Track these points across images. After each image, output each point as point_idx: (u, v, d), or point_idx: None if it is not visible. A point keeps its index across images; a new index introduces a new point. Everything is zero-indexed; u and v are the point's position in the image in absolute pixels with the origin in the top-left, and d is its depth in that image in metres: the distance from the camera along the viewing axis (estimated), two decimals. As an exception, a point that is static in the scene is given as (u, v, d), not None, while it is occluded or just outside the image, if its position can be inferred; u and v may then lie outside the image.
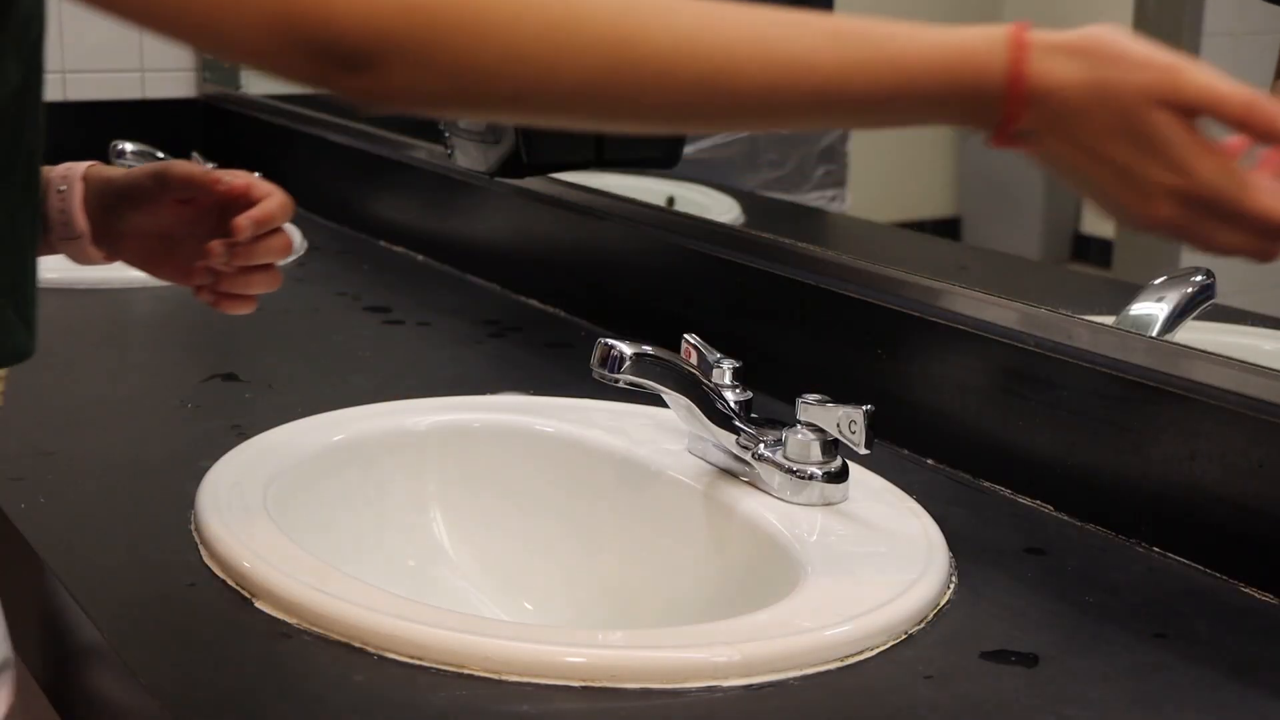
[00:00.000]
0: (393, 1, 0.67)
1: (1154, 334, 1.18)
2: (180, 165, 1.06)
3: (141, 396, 1.42)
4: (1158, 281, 1.25)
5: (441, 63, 0.68)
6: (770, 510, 1.11)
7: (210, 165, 1.06)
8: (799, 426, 1.12)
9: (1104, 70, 0.72)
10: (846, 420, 1.08)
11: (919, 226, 2.37)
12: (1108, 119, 0.72)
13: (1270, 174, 0.74)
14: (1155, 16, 1.68)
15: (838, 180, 2.30)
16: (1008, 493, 1.20)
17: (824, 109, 0.71)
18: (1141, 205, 0.74)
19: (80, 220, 1.04)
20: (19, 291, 0.83)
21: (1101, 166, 0.74)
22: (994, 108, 0.74)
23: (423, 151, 2.02)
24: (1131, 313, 1.22)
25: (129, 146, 2.12)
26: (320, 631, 0.94)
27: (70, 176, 1.05)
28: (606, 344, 1.08)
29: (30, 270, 0.84)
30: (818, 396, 1.12)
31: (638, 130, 0.73)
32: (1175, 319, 1.20)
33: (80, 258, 1.06)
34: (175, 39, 0.70)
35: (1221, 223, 0.74)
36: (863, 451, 1.08)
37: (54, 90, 2.40)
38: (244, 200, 1.03)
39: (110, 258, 1.08)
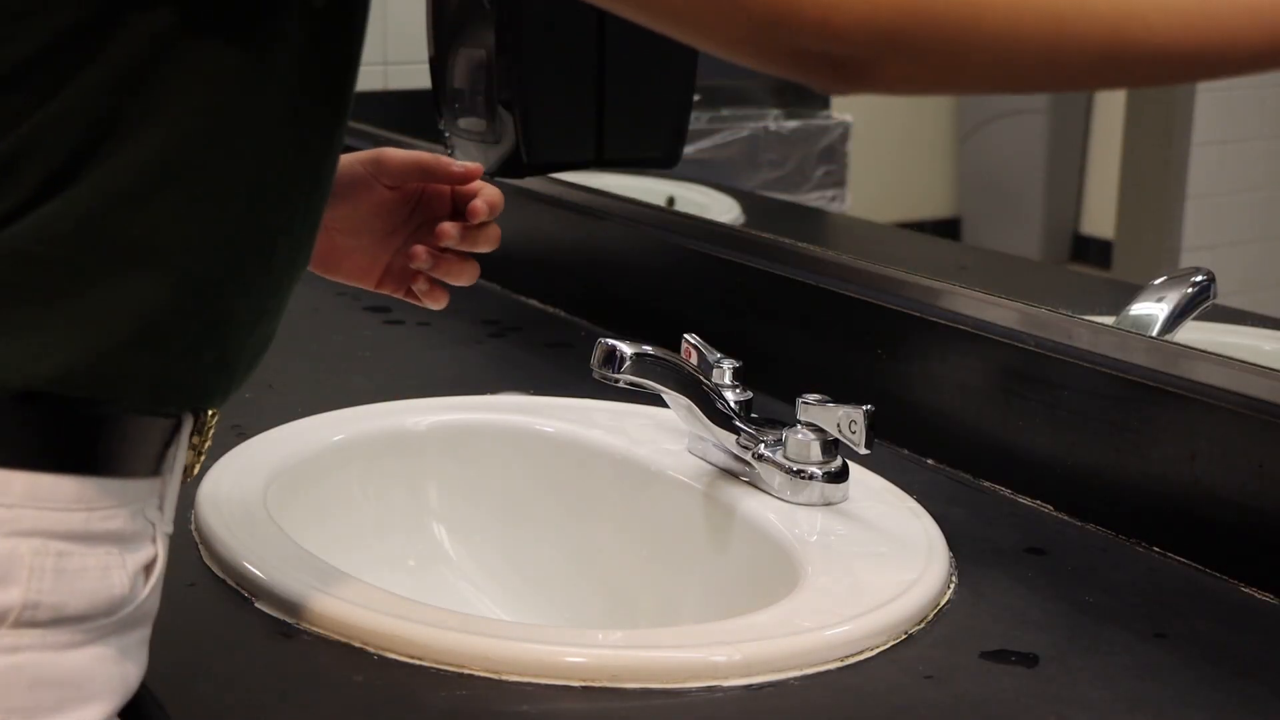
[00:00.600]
0: (893, 5, 0.67)
1: (1154, 334, 1.19)
2: (396, 151, 1.04)
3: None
4: (1158, 281, 1.25)
5: (937, 62, 0.69)
6: (770, 510, 1.11)
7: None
8: (799, 426, 1.12)
9: None
10: (846, 420, 1.08)
11: (919, 226, 2.38)
12: None
13: None
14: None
15: (838, 180, 2.30)
16: (1008, 493, 1.20)
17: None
18: None
19: None
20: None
21: None
22: None
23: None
24: (1131, 313, 1.22)
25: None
26: (320, 631, 0.94)
27: None
28: (606, 344, 1.08)
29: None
30: (818, 396, 1.12)
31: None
32: (1175, 319, 1.21)
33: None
34: (670, 33, 0.70)
35: None
36: (863, 451, 1.08)
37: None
38: (461, 188, 1.04)
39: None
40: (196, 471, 0.80)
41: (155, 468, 0.73)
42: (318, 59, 0.72)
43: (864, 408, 1.08)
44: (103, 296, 0.68)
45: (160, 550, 0.75)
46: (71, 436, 0.70)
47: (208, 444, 0.79)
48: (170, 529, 0.76)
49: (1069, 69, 0.71)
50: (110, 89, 0.67)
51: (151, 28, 0.67)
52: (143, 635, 0.76)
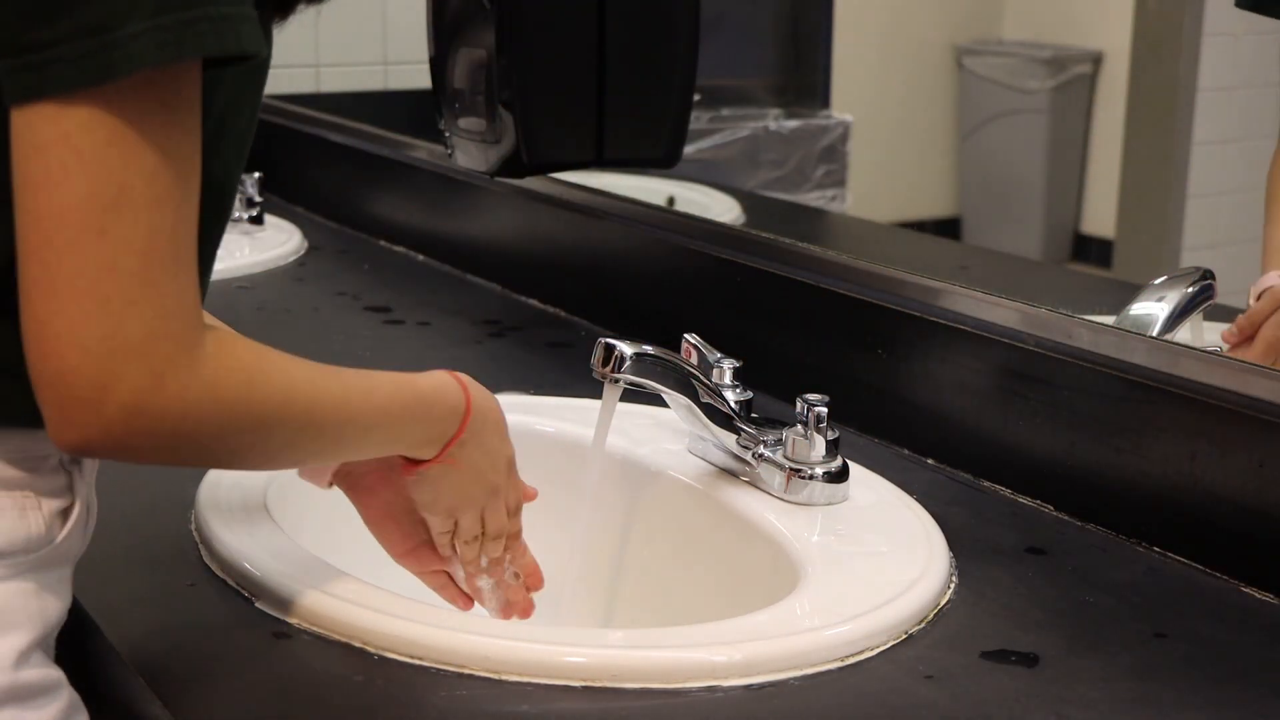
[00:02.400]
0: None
1: (1154, 334, 1.19)
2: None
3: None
4: (1158, 281, 1.25)
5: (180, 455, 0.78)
6: (770, 510, 1.11)
7: None
8: (799, 426, 1.12)
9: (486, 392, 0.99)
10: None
11: (919, 226, 2.37)
12: (498, 422, 1.00)
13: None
14: (1155, 16, 1.68)
15: (838, 180, 2.30)
16: (1008, 493, 1.20)
17: (357, 418, 0.89)
18: (493, 484, 1.01)
19: None
20: None
21: (483, 458, 1.00)
22: (455, 419, 0.96)
23: (423, 151, 2.02)
24: (1131, 313, 1.22)
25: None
26: (320, 631, 0.94)
27: None
28: (606, 344, 1.08)
29: None
30: (818, 396, 1.12)
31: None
32: (1175, 319, 1.21)
33: (311, 473, 1.03)
34: None
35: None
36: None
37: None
38: None
39: (334, 486, 1.05)
40: None
41: None
42: None
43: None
44: None
45: (79, 497, 0.83)
46: None
47: None
48: (90, 478, 0.84)
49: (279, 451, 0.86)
50: None
51: None
52: (62, 574, 0.84)
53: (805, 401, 1.13)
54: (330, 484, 1.03)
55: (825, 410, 1.12)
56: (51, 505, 0.81)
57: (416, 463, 0.97)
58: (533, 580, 1.09)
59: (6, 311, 0.74)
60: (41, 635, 0.82)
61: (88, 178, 0.69)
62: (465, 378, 0.98)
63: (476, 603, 1.08)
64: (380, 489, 1.02)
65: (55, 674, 0.84)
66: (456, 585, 1.07)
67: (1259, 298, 1.18)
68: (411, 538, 1.04)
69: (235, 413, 0.78)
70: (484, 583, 1.06)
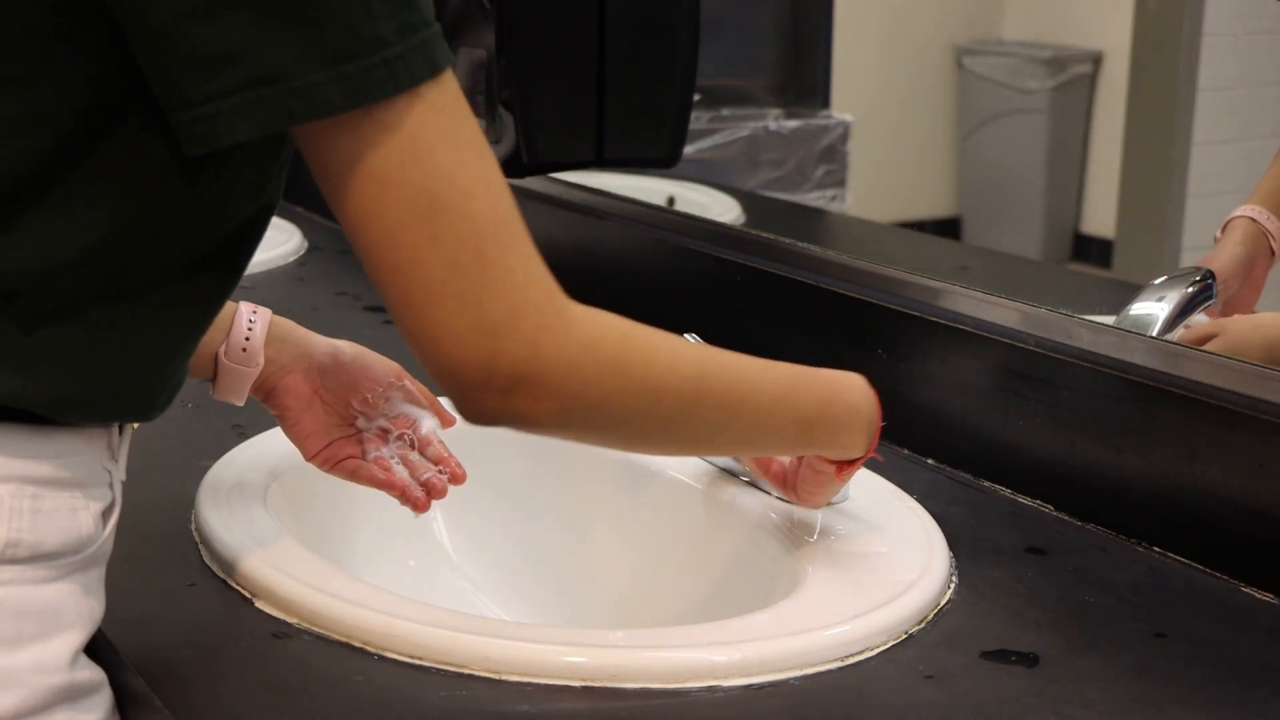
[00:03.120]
0: (585, 408, 0.80)
1: (1154, 334, 1.18)
2: (409, 386, 1.10)
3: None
4: (1158, 281, 1.25)
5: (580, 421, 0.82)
6: (770, 510, 1.11)
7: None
8: (799, 426, 1.12)
9: None
10: None
11: (919, 226, 2.38)
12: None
13: None
14: (1155, 16, 1.68)
15: (838, 180, 2.30)
16: (1008, 493, 1.20)
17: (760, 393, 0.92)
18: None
19: (261, 356, 1.04)
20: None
21: None
22: (865, 435, 1.01)
23: (423, 151, 2.02)
24: (1131, 313, 1.22)
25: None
26: (320, 631, 0.94)
27: (260, 309, 1.06)
28: (607, 344, 1.07)
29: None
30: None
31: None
32: (1175, 319, 1.21)
33: (230, 391, 1.05)
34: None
35: None
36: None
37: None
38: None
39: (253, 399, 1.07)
40: (136, 427, 0.89)
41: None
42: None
43: None
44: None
45: (117, 496, 0.84)
46: None
47: None
48: (124, 476, 0.85)
49: (687, 435, 0.90)
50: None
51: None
52: (100, 574, 0.84)
53: None
54: (246, 399, 1.06)
55: None
56: (96, 505, 0.82)
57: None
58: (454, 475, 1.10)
59: (63, 319, 0.77)
60: (89, 635, 0.82)
61: (400, 198, 0.74)
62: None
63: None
64: (299, 388, 1.06)
65: (100, 674, 0.84)
66: (371, 471, 1.08)
67: (1224, 229, 1.20)
68: (327, 434, 1.07)
69: (618, 372, 0.81)
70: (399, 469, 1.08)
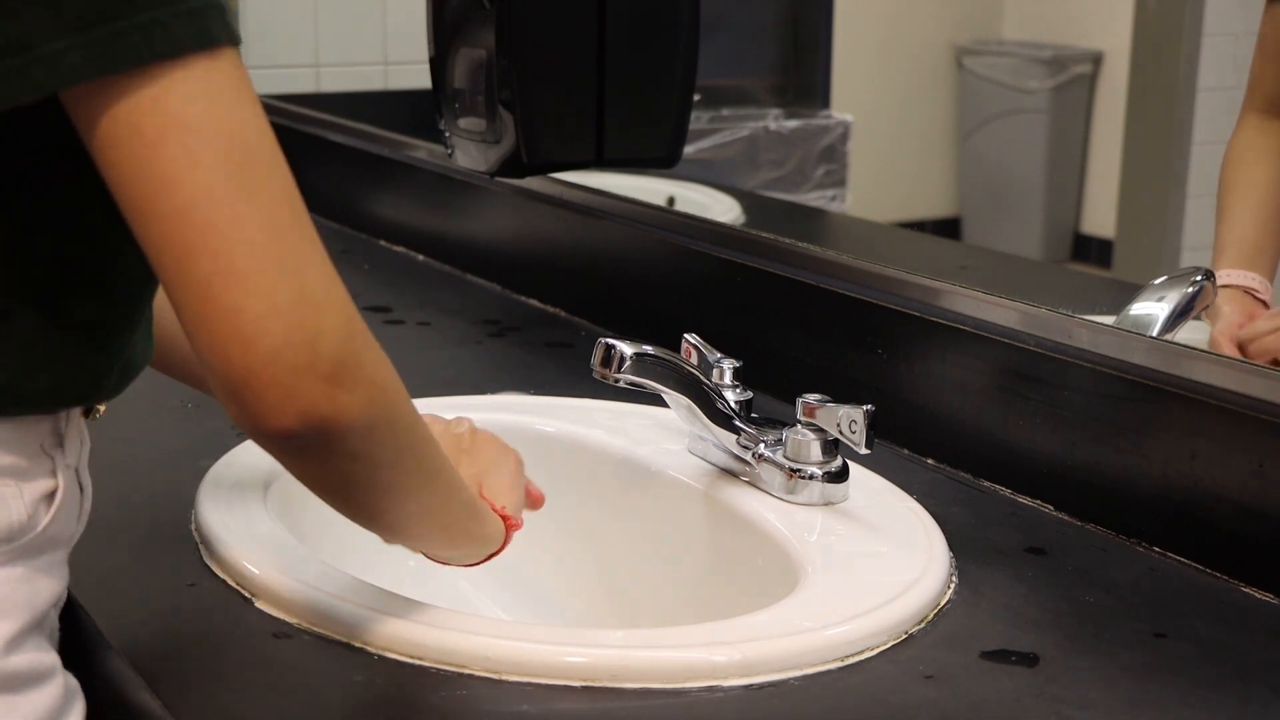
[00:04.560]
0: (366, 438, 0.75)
1: (1154, 334, 1.18)
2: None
3: (142, 396, 1.42)
4: (1158, 281, 1.25)
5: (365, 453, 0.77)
6: (770, 510, 1.11)
7: None
8: (799, 426, 1.12)
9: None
10: (847, 420, 1.08)
11: (919, 226, 2.37)
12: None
13: None
14: (1155, 16, 1.68)
15: (838, 180, 2.30)
16: (1008, 493, 1.20)
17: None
18: None
19: None
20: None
21: None
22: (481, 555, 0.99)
23: (423, 151, 2.02)
24: (1131, 313, 1.22)
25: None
26: (320, 631, 0.94)
27: None
28: (606, 344, 1.08)
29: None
30: (818, 396, 1.12)
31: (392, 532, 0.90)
32: (1175, 319, 1.21)
33: None
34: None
35: None
36: (863, 451, 1.08)
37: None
38: None
39: None
40: (104, 411, 0.87)
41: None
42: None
43: (864, 408, 1.08)
44: None
45: (62, 481, 0.82)
46: None
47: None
48: (74, 461, 0.83)
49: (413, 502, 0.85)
50: None
51: None
52: (53, 558, 0.83)
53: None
54: None
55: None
56: (34, 491, 0.81)
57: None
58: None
59: None
60: (32, 621, 0.81)
61: (214, 150, 0.69)
62: (509, 514, 1.00)
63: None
64: None
65: (49, 659, 0.83)
66: None
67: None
68: None
69: (398, 391, 0.78)
70: None
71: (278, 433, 0.72)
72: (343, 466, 0.77)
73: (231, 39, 0.71)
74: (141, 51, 0.68)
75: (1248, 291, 1.18)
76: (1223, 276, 1.19)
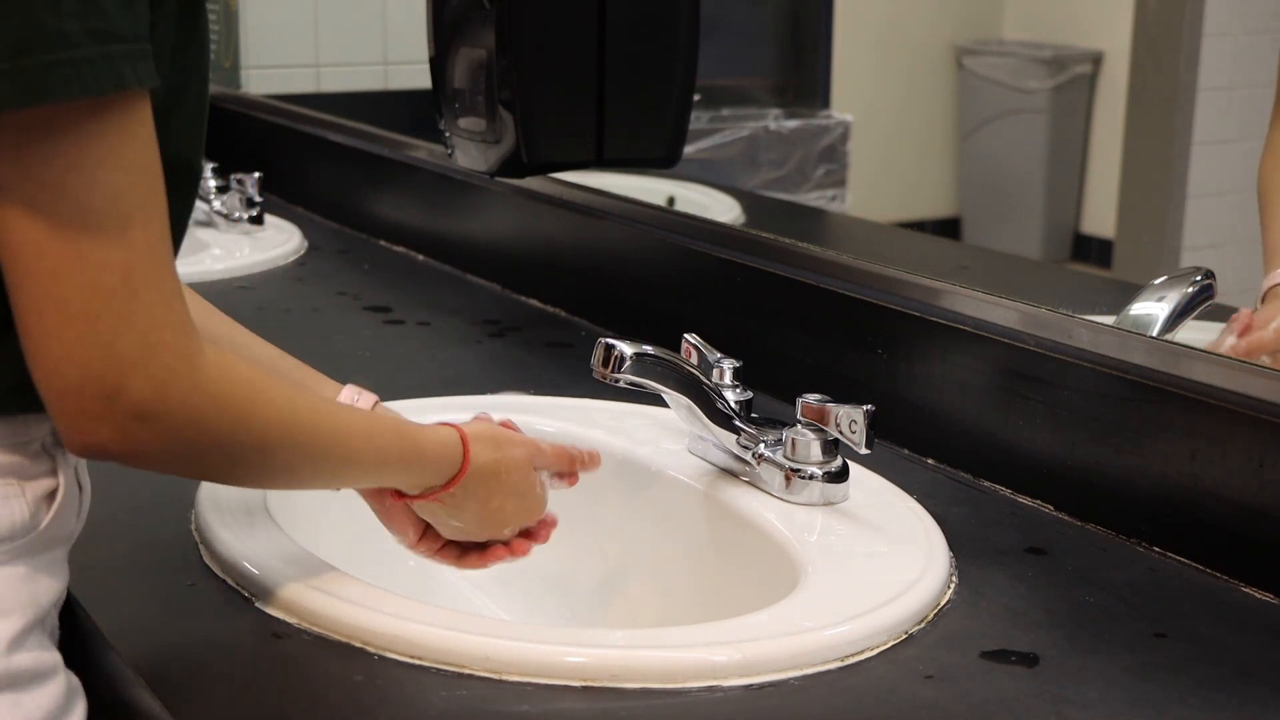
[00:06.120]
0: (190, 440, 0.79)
1: (1154, 334, 1.19)
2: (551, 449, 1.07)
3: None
4: (1158, 281, 1.25)
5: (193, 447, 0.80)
6: (770, 510, 1.11)
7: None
8: (799, 426, 1.12)
9: (501, 450, 1.01)
10: (847, 420, 1.08)
11: (919, 226, 2.37)
12: (500, 481, 1.02)
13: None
14: (1155, 16, 1.68)
15: (838, 180, 2.30)
16: (1008, 493, 1.20)
17: (354, 456, 0.92)
18: (494, 531, 1.05)
19: None
20: None
21: (481, 510, 1.02)
22: (446, 475, 0.98)
23: (423, 151, 2.02)
24: (1131, 313, 1.22)
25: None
26: (320, 631, 0.94)
27: (364, 394, 1.07)
28: (606, 344, 1.08)
29: None
30: (818, 396, 1.12)
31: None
32: (1175, 319, 1.21)
33: None
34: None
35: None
36: (863, 451, 1.08)
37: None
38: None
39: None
40: None
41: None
42: None
43: (864, 408, 1.08)
44: None
45: (63, 480, 0.84)
46: None
47: None
48: (73, 460, 0.85)
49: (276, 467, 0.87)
50: None
51: None
52: (54, 556, 0.84)
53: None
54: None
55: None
56: (36, 490, 0.82)
57: (404, 495, 1.00)
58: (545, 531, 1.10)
59: None
60: (34, 619, 0.82)
61: (53, 208, 0.72)
62: (476, 435, 1.00)
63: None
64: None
65: (51, 657, 0.84)
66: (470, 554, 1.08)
67: (1264, 297, 1.18)
68: (421, 525, 1.05)
69: (239, 427, 0.80)
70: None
71: (76, 451, 0.77)
72: (166, 470, 0.81)
73: (151, 84, 0.73)
74: (69, 86, 0.70)
75: None
76: (1275, 277, 1.20)
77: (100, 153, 0.72)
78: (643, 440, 1.24)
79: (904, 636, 0.95)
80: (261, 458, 0.84)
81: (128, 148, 0.73)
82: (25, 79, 0.69)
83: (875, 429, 1.08)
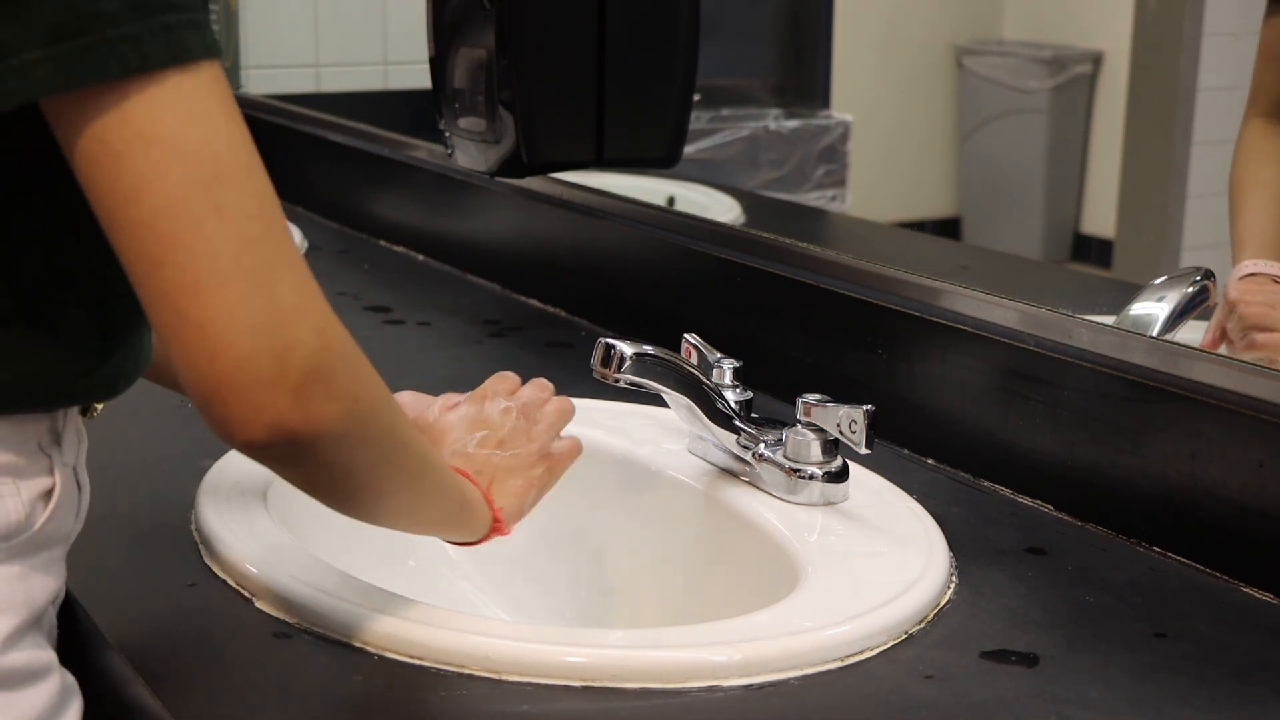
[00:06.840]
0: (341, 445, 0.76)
1: (1154, 334, 1.19)
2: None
3: (142, 396, 1.42)
4: (1158, 281, 1.25)
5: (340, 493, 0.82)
6: (770, 510, 1.11)
7: None
8: (799, 426, 1.12)
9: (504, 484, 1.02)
10: (847, 420, 1.08)
11: (919, 226, 2.37)
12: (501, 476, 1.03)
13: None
14: (1155, 16, 1.68)
15: (838, 180, 2.30)
16: (1008, 493, 1.20)
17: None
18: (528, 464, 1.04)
19: None
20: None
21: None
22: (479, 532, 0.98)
23: (423, 151, 2.02)
24: (1131, 313, 1.22)
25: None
26: (320, 631, 0.94)
27: None
28: (606, 344, 1.08)
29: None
30: (818, 396, 1.12)
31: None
32: (1175, 319, 1.21)
33: None
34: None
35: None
36: (863, 451, 1.08)
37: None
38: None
39: None
40: (101, 409, 0.87)
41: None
42: None
43: (864, 408, 1.08)
44: None
45: (59, 480, 0.82)
46: None
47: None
48: (71, 459, 0.84)
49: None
50: None
51: None
52: (51, 555, 0.83)
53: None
54: None
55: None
56: (31, 490, 0.81)
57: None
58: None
59: None
60: (29, 618, 0.82)
61: (180, 163, 0.69)
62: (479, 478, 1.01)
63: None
64: None
65: (45, 656, 0.83)
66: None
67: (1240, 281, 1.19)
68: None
69: (376, 400, 0.79)
70: None
71: (247, 443, 0.72)
72: (318, 472, 0.78)
73: (208, 52, 0.71)
74: (110, 66, 0.68)
75: (1276, 280, 1.20)
76: (1247, 267, 1.20)
77: (202, 107, 0.70)
78: (643, 440, 1.24)
79: (904, 636, 0.95)
80: (399, 450, 0.82)
81: (222, 101, 0.71)
82: (63, 63, 0.68)
83: (875, 429, 1.08)
